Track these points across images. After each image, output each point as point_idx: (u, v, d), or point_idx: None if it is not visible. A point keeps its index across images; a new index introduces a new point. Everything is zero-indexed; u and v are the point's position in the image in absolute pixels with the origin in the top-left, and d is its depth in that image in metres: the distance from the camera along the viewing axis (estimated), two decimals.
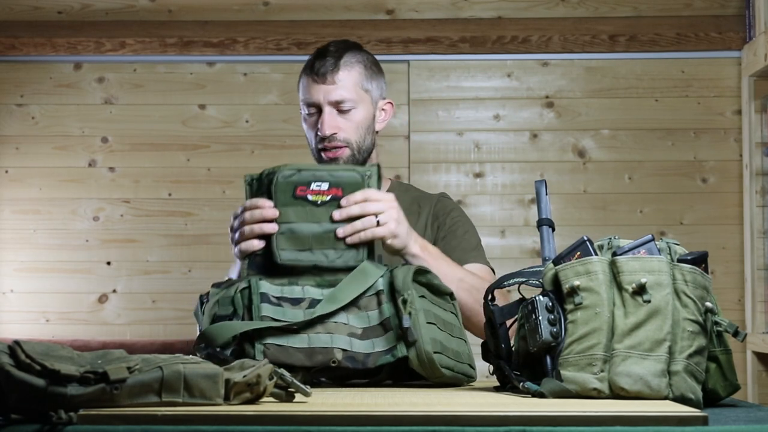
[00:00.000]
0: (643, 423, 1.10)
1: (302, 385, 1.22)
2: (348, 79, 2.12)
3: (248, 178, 1.70)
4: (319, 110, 2.11)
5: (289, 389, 1.23)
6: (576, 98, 3.53)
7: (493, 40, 3.51)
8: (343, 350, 1.57)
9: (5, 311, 3.49)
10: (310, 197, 1.66)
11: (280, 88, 3.55)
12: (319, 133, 2.10)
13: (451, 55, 3.53)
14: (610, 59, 3.53)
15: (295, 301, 1.59)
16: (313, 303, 1.59)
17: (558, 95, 3.53)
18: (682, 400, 1.29)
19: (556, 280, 1.37)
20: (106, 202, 3.52)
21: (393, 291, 1.58)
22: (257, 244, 1.68)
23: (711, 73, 3.51)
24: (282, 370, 1.23)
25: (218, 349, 1.54)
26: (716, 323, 1.39)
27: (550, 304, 1.36)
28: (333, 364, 1.57)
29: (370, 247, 1.69)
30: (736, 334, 1.38)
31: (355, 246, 1.66)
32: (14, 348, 1.11)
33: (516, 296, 1.54)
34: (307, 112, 2.13)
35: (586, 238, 1.38)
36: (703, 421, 1.11)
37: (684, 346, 1.32)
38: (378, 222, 1.71)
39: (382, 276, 1.61)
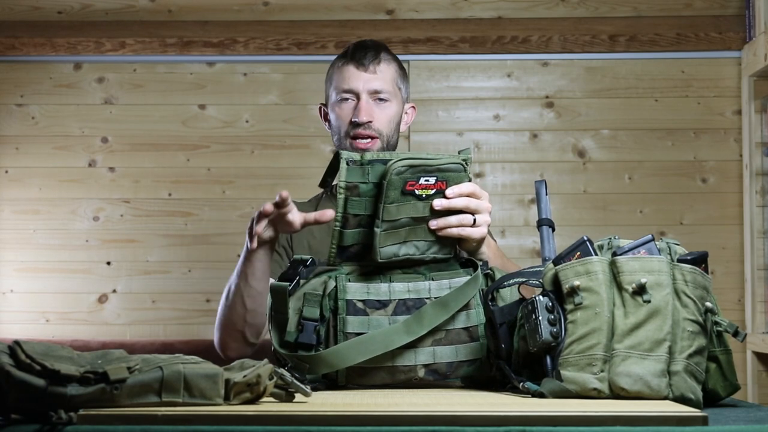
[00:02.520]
0: (643, 423, 1.10)
1: (302, 385, 1.22)
2: (387, 72, 2.19)
3: (347, 159, 1.61)
4: (356, 98, 2.15)
5: (289, 389, 1.23)
6: (576, 98, 3.53)
7: (493, 40, 3.51)
8: (426, 365, 1.58)
9: (5, 311, 3.49)
10: (417, 191, 1.65)
11: (280, 88, 3.55)
12: (354, 119, 2.13)
13: (451, 55, 3.53)
14: (610, 59, 3.53)
15: (381, 304, 1.59)
16: (399, 306, 1.59)
17: (558, 95, 3.53)
18: (682, 400, 1.29)
19: (556, 280, 1.37)
20: (106, 202, 3.52)
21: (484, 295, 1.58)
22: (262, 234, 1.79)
23: (711, 73, 3.51)
24: (282, 370, 1.23)
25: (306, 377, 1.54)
26: (716, 323, 1.39)
27: (550, 304, 1.36)
28: (414, 381, 1.58)
29: (458, 242, 1.69)
30: (736, 334, 1.39)
31: (443, 238, 1.66)
32: (14, 348, 1.11)
33: None
34: (341, 98, 2.16)
35: (586, 238, 1.38)
36: (703, 421, 1.11)
37: (684, 346, 1.32)
38: (474, 222, 1.71)
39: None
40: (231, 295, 2.02)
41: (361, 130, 2.13)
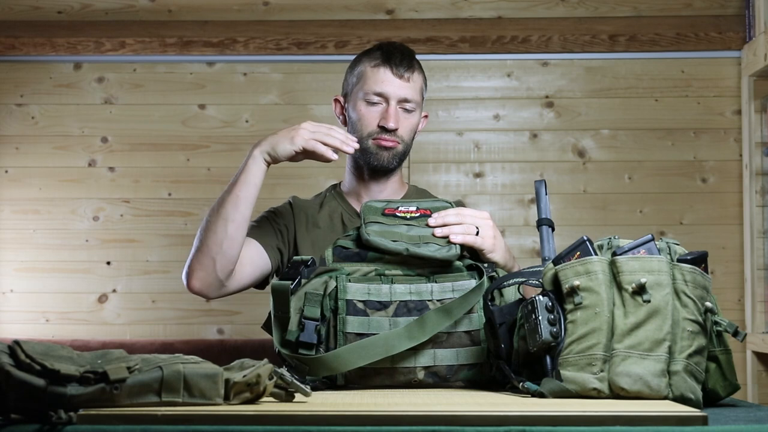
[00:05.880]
0: (643, 423, 1.10)
1: (302, 385, 1.22)
2: (417, 82, 2.21)
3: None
4: (386, 102, 2.16)
5: (289, 389, 1.23)
6: (576, 98, 3.53)
7: (493, 40, 3.51)
8: (426, 368, 1.58)
9: (5, 311, 3.48)
10: (398, 214, 1.69)
11: (280, 88, 3.55)
12: (382, 124, 2.15)
13: (451, 55, 3.53)
14: (610, 59, 3.53)
15: (382, 305, 1.59)
16: (400, 308, 1.59)
17: (558, 95, 3.53)
18: (682, 400, 1.29)
19: (555, 280, 1.38)
20: (106, 202, 3.52)
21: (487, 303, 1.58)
22: (330, 154, 1.96)
23: (711, 73, 3.51)
24: (282, 370, 1.23)
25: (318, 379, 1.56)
26: (716, 323, 1.39)
27: (550, 304, 1.36)
28: (414, 383, 1.58)
29: (462, 248, 1.69)
30: (735, 334, 1.39)
31: (447, 244, 1.67)
32: (14, 348, 1.11)
33: None
34: (370, 100, 2.17)
35: (585, 238, 1.38)
36: (703, 421, 1.11)
37: (684, 346, 1.32)
38: (477, 232, 1.72)
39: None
40: (215, 217, 2.01)
41: (387, 136, 2.16)
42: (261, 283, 2.20)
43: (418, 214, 1.70)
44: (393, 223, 1.67)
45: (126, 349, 1.24)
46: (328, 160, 1.97)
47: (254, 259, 2.11)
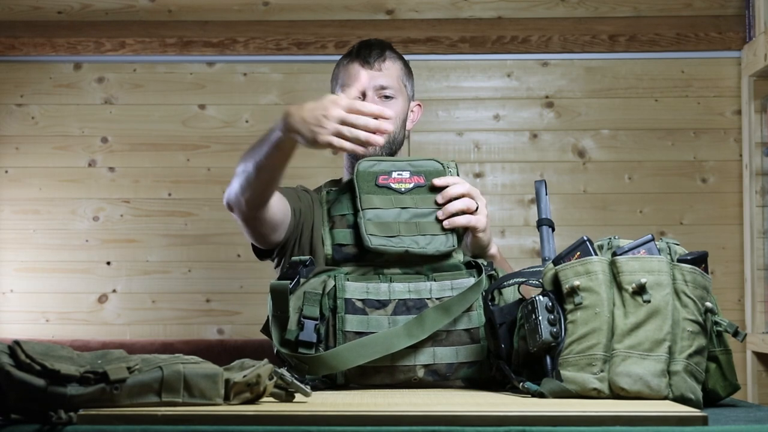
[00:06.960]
0: (643, 423, 1.10)
1: (302, 385, 1.22)
2: (392, 70, 2.19)
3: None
4: (362, 95, 2.14)
5: (289, 389, 1.23)
6: (576, 98, 3.53)
7: (493, 40, 3.51)
8: (425, 366, 1.58)
9: (5, 311, 3.48)
10: (393, 185, 1.67)
11: (280, 88, 3.55)
12: None
13: (450, 55, 3.53)
14: (610, 59, 3.53)
15: (380, 304, 1.59)
16: (399, 306, 1.59)
17: (558, 95, 3.53)
18: (682, 400, 1.29)
19: (556, 280, 1.38)
20: (106, 202, 3.52)
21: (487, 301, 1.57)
22: (360, 150, 1.77)
23: (711, 73, 3.51)
24: (282, 370, 1.23)
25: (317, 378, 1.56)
26: (716, 323, 1.39)
27: (550, 304, 1.36)
28: (414, 381, 1.58)
29: (458, 234, 1.69)
30: (736, 334, 1.39)
31: (444, 233, 1.67)
32: (14, 348, 1.11)
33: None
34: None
35: (585, 238, 1.38)
36: (703, 421, 1.11)
37: (684, 346, 1.32)
38: (476, 209, 1.72)
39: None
40: (245, 170, 1.97)
41: None
42: (262, 253, 2.17)
43: (411, 184, 1.68)
44: (388, 205, 1.66)
45: (126, 349, 1.24)
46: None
47: (283, 208, 2.09)
